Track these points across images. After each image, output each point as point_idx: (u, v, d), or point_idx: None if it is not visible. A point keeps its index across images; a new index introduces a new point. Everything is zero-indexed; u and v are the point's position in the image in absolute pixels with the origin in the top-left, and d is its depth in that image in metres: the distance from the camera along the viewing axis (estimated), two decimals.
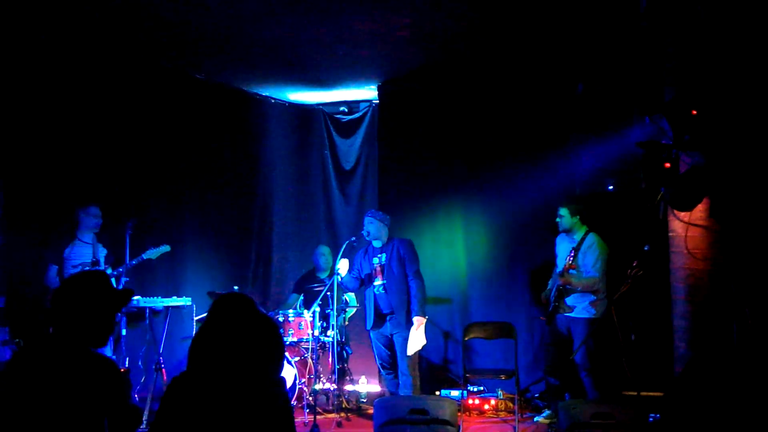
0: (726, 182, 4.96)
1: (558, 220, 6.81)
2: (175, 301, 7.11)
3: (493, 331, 7.46)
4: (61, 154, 7.26)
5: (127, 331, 6.99)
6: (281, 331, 6.65)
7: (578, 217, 6.75)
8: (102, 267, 6.88)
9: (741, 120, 4.81)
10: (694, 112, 4.67)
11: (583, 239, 6.68)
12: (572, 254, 6.60)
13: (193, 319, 7.58)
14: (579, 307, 6.62)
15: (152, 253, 7.01)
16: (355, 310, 7.90)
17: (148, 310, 7.04)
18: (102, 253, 6.99)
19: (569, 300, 6.66)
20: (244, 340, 2.50)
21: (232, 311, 2.59)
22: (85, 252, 6.94)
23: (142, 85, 7.90)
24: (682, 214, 5.10)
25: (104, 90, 7.59)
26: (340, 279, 6.87)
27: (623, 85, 5.52)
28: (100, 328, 3.13)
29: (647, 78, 5.24)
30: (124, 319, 6.93)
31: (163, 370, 6.87)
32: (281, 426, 2.47)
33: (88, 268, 6.76)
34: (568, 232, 6.80)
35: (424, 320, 6.65)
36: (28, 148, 7.03)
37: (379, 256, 6.84)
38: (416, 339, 6.59)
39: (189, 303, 7.20)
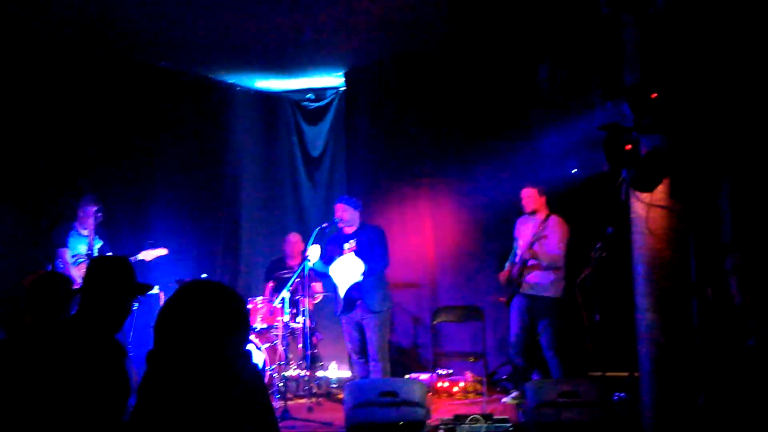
0: (685, 164, 5.08)
1: (524, 201, 6.90)
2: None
3: (461, 315, 7.58)
4: (28, 144, 7.22)
5: None
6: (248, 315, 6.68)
7: (544, 198, 6.86)
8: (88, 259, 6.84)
9: (699, 103, 4.92)
10: (654, 96, 4.77)
11: (546, 220, 6.80)
12: (536, 232, 6.70)
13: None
14: (540, 287, 6.73)
15: (147, 254, 7.01)
16: (322, 296, 7.94)
17: None
18: (97, 244, 6.96)
19: (530, 279, 6.76)
20: (201, 314, 2.44)
21: (194, 293, 2.55)
22: (82, 243, 6.91)
23: (108, 74, 7.87)
24: (643, 195, 5.21)
25: (71, 80, 7.55)
26: (310, 265, 6.90)
27: (585, 70, 5.60)
28: (122, 314, 3.22)
29: (608, 62, 5.33)
30: None
31: (131, 358, 6.87)
32: (250, 401, 2.46)
33: (83, 260, 6.74)
34: (533, 213, 6.89)
35: (358, 264, 6.67)
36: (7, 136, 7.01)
37: (349, 242, 6.88)
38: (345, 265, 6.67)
39: (156, 291, 7.19)
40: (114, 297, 3.18)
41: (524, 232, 6.94)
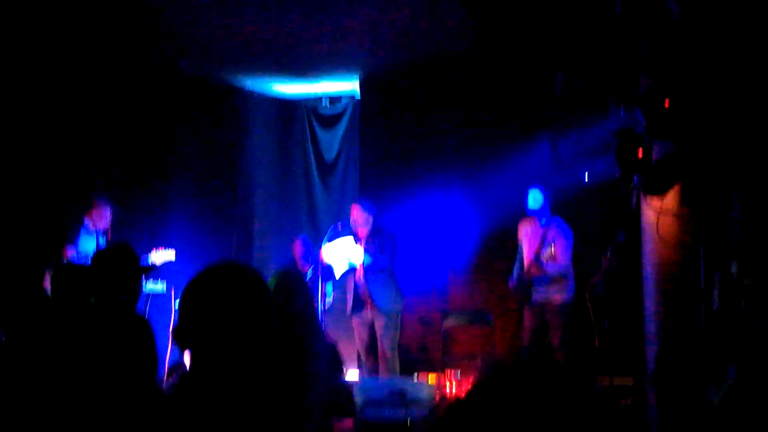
0: (697, 170, 5.15)
1: (530, 201, 6.90)
2: (151, 289, 7.19)
3: (470, 318, 7.63)
4: (45, 145, 7.33)
5: None
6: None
7: (549, 202, 6.90)
8: None
9: (711, 110, 5.01)
10: (667, 103, 4.86)
11: (550, 226, 6.84)
12: (540, 241, 6.74)
13: (171, 308, 7.64)
14: (551, 293, 6.78)
15: (157, 257, 7.09)
16: (332, 297, 8.00)
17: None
18: (104, 242, 7.05)
19: (541, 285, 6.81)
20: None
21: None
22: (92, 242, 7.00)
23: (126, 76, 7.96)
24: (654, 202, 5.29)
25: (88, 81, 7.65)
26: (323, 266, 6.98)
27: (600, 78, 5.69)
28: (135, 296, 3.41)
29: (622, 70, 5.42)
30: None
31: None
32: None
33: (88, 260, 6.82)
34: (536, 215, 6.92)
35: (356, 250, 6.79)
36: (12, 132, 7.10)
37: (362, 243, 6.96)
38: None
39: (163, 291, 7.29)
40: (124, 280, 3.32)
41: (528, 237, 6.95)
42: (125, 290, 3.34)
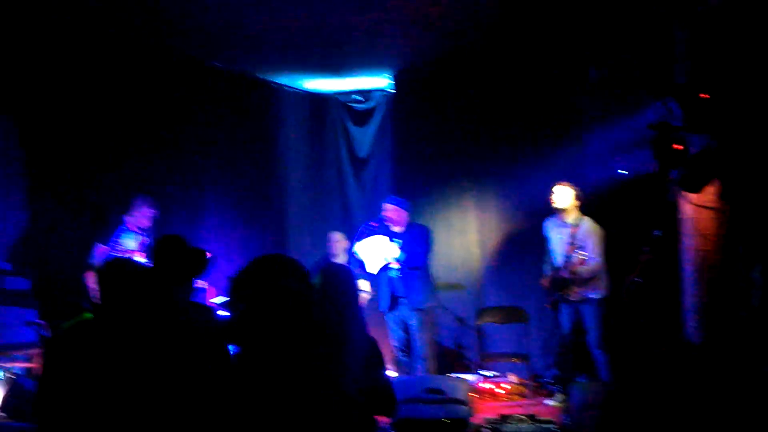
0: (736, 164, 5.04)
1: (555, 198, 6.76)
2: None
3: (505, 316, 7.58)
4: (86, 140, 7.42)
5: None
6: None
7: (578, 201, 6.76)
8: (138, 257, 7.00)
9: (749, 102, 4.89)
10: (704, 95, 4.76)
11: (579, 225, 6.72)
12: (571, 241, 6.62)
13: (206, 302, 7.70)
14: (585, 292, 6.68)
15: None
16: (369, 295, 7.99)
17: None
18: (146, 240, 7.12)
19: (574, 285, 6.69)
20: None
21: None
22: (132, 239, 7.09)
23: (160, 72, 8.03)
24: (692, 196, 5.19)
25: (123, 77, 7.72)
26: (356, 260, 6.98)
27: (634, 70, 5.60)
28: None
29: (658, 62, 5.32)
30: None
31: None
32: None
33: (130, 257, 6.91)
34: (563, 213, 6.78)
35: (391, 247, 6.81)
36: (55, 130, 7.20)
37: (396, 240, 6.94)
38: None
39: (204, 286, 7.33)
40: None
41: (556, 235, 6.84)
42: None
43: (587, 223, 6.70)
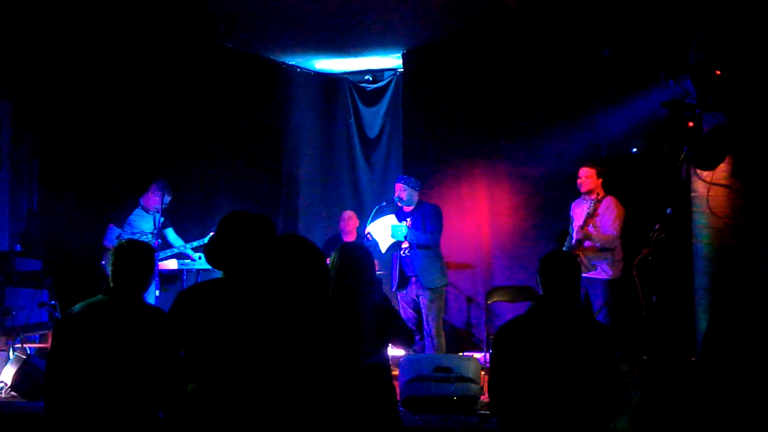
0: (749, 142, 5.02)
1: (580, 181, 6.81)
2: (203, 264, 7.30)
3: (515, 295, 7.57)
4: (97, 124, 7.46)
5: (160, 293, 7.17)
6: None
7: (601, 180, 6.76)
8: (152, 237, 7.04)
9: (764, 80, 4.86)
10: (718, 73, 4.73)
11: (600, 201, 6.72)
12: (590, 212, 6.62)
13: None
14: (596, 269, 6.67)
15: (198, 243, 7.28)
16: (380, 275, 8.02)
17: (185, 272, 7.29)
18: (159, 221, 7.17)
19: (586, 260, 6.70)
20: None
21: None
22: (147, 221, 7.14)
23: (171, 53, 8.06)
24: (705, 174, 5.17)
25: (136, 59, 7.75)
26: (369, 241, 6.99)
27: (648, 47, 5.56)
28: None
29: (672, 39, 5.29)
30: (158, 280, 7.09)
31: None
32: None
33: (145, 237, 6.96)
34: (589, 193, 6.82)
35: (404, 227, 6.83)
36: (66, 114, 7.23)
37: (406, 219, 6.95)
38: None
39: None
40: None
41: (579, 213, 6.87)
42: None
43: (609, 200, 6.70)
